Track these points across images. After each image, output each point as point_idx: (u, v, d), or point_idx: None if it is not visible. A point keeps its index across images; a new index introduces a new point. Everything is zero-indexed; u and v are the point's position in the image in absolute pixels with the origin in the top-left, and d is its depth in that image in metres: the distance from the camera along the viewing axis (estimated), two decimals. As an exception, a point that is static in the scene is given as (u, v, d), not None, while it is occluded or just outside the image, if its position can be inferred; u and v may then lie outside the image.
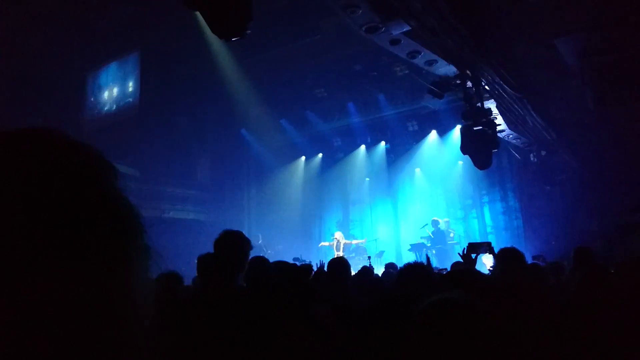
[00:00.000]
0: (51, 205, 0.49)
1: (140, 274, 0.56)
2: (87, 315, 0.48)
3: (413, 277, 3.06)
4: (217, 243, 2.94)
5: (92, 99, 17.27)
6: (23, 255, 0.46)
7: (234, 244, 2.93)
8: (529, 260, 6.63)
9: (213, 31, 4.01)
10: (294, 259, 10.29)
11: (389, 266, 7.52)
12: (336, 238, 15.09)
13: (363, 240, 15.89)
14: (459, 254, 5.19)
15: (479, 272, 3.64)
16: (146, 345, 0.54)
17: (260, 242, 14.92)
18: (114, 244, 0.53)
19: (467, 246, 5.00)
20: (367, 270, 5.76)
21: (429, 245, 14.15)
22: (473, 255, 4.86)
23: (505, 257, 3.95)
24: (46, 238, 0.48)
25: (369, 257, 9.79)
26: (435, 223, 14.42)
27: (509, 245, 4.28)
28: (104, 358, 0.49)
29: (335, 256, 12.66)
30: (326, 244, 15.70)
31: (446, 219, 15.38)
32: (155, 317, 0.57)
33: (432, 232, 14.24)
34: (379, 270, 8.04)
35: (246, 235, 3.09)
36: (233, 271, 2.89)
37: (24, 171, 0.51)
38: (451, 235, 14.90)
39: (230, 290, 2.85)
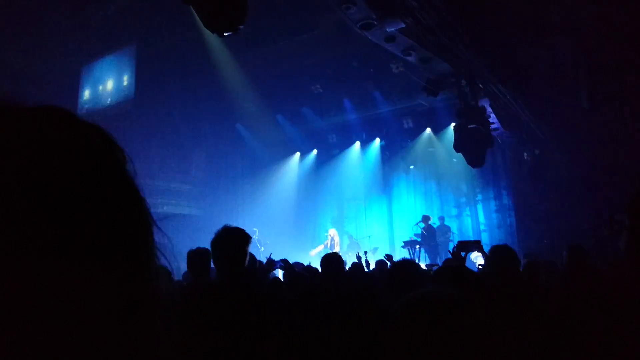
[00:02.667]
0: (66, 190, 0.46)
1: (156, 267, 0.54)
2: (106, 313, 0.46)
3: (403, 274, 3.09)
4: (218, 239, 2.92)
5: (86, 93, 17.18)
6: (33, 247, 0.43)
7: (236, 240, 2.92)
8: (521, 258, 6.67)
9: (206, 26, 4.00)
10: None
11: (386, 258, 7.58)
12: (330, 235, 15.11)
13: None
14: (449, 251, 5.25)
15: (468, 269, 3.68)
16: (164, 342, 0.53)
17: (256, 237, 14.90)
18: (127, 236, 0.50)
19: (457, 244, 5.06)
20: (357, 267, 5.78)
21: (420, 241, 14.16)
22: (463, 254, 4.92)
23: (497, 255, 3.99)
24: (58, 228, 0.44)
25: (365, 252, 9.87)
26: (426, 219, 14.44)
27: (503, 243, 4.32)
28: (123, 355, 0.47)
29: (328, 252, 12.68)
30: (318, 249, 15.56)
31: (430, 219, 15.31)
32: (169, 313, 0.55)
33: (424, 229, 14.26)
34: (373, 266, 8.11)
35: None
36: (237, 267, 2.89)
37: (34, 152, 0.46)
38: (447, 235, 14.91)
39: (237, 286, 2.86)
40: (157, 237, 0.58)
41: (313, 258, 13.32)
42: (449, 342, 0.95)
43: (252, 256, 4.06)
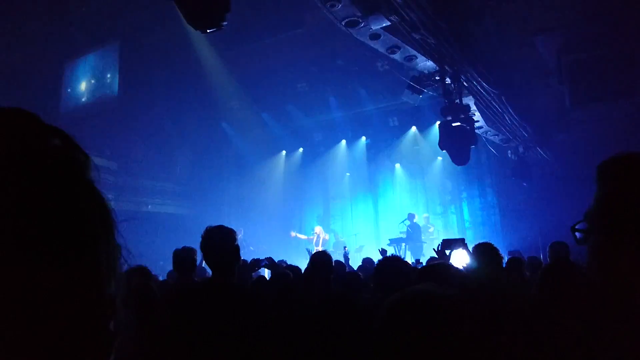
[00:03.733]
0: (17, 195, 0.46)
1: (111, 271, 0.53)
2: (56, 313, 0.46)
3: (390, 270, 3.10)
4: (208, 240, 2.91)
5: (69, 90, 16.93)
6: None
7: (223, 239, 2.91)
8: (505, 255, 6.73)
9: (189, 22, 3.96)
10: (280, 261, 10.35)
11: (366, 261, 7.62)
12: (316, 232, 15.11)
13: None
14: (434, 249, 5.28)
15: (454, 266, 3.70)
16: (115, 344, 0.52)
17: (241, 236, 14.81)
18: (84, 239, 0.50)
19: (442, 242, 5.10)
20: (339, 265, 5.79)
21: (405, 238, 14.23)
22: (447, 251, 4.95)
23: (480, 252, 4.03)
24: (9, 232, 0.44)
25: (345, 247, 10.00)
26: (411, 217, 14.52)
27: (486, 241, 4.37)
28: (73, 356, 0.47)
29: (315, 251, 12.68)
30: (301, 235, 15.70)
31: (425, 215, 15.52)
32: (120, 315, 0.56)
33: (409, 227, 14.33)
34: (356, 264, 8.16)
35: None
36: (230, 266, 2.89)
37: None
38: (430, 230, 15.04)
39: (232, 286, 2.85)
40: (136, 236, 0.58)
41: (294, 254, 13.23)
42: (442, 339, 0.94)
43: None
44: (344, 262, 7.34)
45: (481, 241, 4.36)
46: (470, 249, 5.57)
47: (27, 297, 0.44)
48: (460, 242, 5.08)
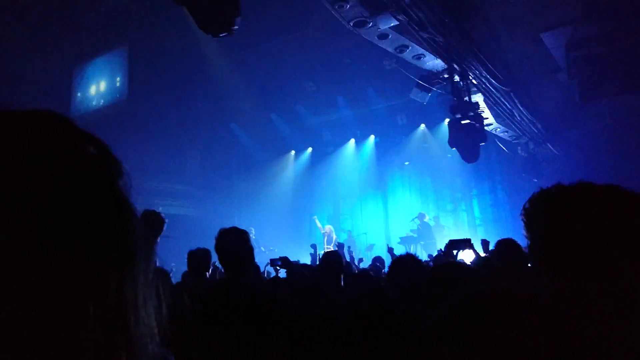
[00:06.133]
0: (53, 199, 0.45)
1: (145, 276, 0.53)
2: (91, 321, 0.45)
3: (404, 269, 3.11)
4: (219, 242, 2.95)
5: (79, 94, 17.09)
6: (18, 253, 0.42)
7: (237, 240, 2.95)
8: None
9: (200, 27, 4.00)
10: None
11: (377, 260, 7.65)
12: (327, 232, 15.12)
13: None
14: (439, 250, 5.28)
15: (467, 265, 3.70)
16: (151, 347, 0.52)
17: (252, 236, 14.86)
18: (119, 244, 0.50)
19: (448, 242, 5.09)
20: (347, 265, 5.81)
21: (416, 237, 14.22)
22: (455, 252, 4.94)
23: (503, 248, 3.99)
24: (43, 236, 0.44)
25: (349, 247, 10.08)
26: (421, 216, 14.51)
27: (499, 238, 4.33)
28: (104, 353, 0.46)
29: (325, 249, 12.73)
30: (318, 223, 15.83)
31: (435, 216, 15.41)
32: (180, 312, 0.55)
33: (419, 226, 14.32)
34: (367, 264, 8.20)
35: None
36: (244, 267, 2.92)
37: (25, 158, 0.46)
38: (444, 233, 14.97)
39: (247, 285, 2.88)
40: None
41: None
42: (516, 340, 0.89)
43: None
44: (350, 261, 7.37)
45: (490, 239, 4.34)
46: (484, 245, 5.57)
47: (66, 315, 0.44)
48: (466, 243, 5.05)
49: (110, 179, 0.53)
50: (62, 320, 0.44)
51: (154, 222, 4.06)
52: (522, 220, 1.21)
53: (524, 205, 1.21)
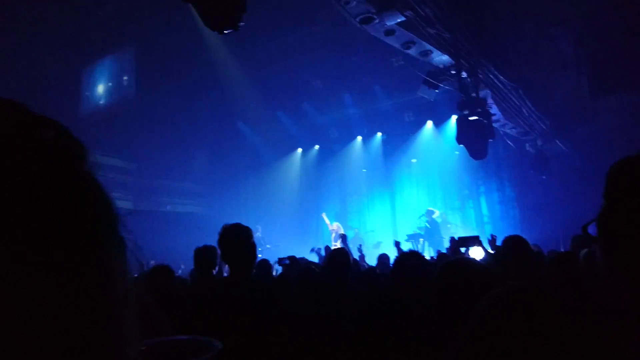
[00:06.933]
0: (16, 188, 0.42)
1: (120, 267, 0.49)
2: (63, 314, 0.43)
3: (409, 266, 3.09)
4: (222, 238, 2.95)
5: (87, 94, 17.18)
6: None
7: (239, 237, 2.95)
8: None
9: (206, 24, 3.99)
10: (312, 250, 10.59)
11: (383, 257, 7.65)
12: (334, 229, 15.11)
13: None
14: (447, 248, 5.25)
15: (478, 262, 3.67)
16: (129, 343, 0.49)
17: (259, 234, 14.91)
18: (90, 233, 0.46)
19: (457, 240, 5.05)
20: (354, 263, 5.80)
21: (423, 234, 14.19)
22: (463, 249, 4.90)
23: (510, 245, 3.96)
24: (8, 228, 0.41)
25: (343, 237, 10.12)
26: (429, 213, 14.46)
27: (506, 235, 4.30)
28: (83, 356, 0.44)
29: (333, 247, 12.71)
30: (326, 220, 15.79)
31: (436, 213, 15.30)
32: (136, 313, 0.53)
33: (427, 222, 14.28)
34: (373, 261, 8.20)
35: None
36: (246, 263, 2.92)
37: None
38: (448, 226, 14.94)
39: (249, 282, 2.89)
40: (157, 236, 0.54)
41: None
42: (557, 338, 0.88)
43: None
44: (358, 260, 7.37)
45: (500, 235, 4.31)
46: (491, 243, 5.54)
47: (28, 302, 0.40)
48: (474, 240, 5.01)
49: (72, 159, 0.49)
50: (34, 318, 0.41)
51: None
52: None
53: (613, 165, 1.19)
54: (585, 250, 4.23)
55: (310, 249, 12.42)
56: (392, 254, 7.84)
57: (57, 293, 0.42)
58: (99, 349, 0.45)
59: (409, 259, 3.16)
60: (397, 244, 8.50)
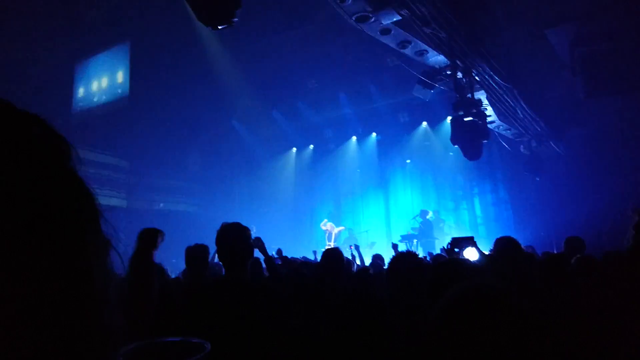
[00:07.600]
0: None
1: (101, 262, 0.50)
2: (44, 310, 0.43)
3: (404, 266, 3.07)
4: (220, 237, 2.91)
5: (80, 90, 17.06)
6: None
7: (237, 236, 2.92)
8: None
9: (199, 19, 3.95)
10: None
11: (376, 257, 7.64)
12: (327, 229, 15.10)
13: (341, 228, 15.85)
14: (442, 248, 5.24)
15: (469, 261, 3.66)
16: (110, 339, 0.49)
17: (254, 232, 14.76)
18: (71, 228, 0.46)
19: (451, 241, 5.05)
20: (347, 263, 5.78)
21: (417, 235, 14.18)
22: (457, 250, 4.90)
23: (501, 246, 3.96)
24: None
25: (357, 246, 9.99)
26: (423, 214, 14.47)
27: (499, 236, 4.29)
28: (64, 354, 0.44)
29: (327, 246, 12.70)
30: (324, 227, 15.71)
31: (430, 213, 15.31)
32: (117, 309, 0.51)
33: (421, 223, 14.29)
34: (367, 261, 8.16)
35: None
36: (242, 263, 2.89)
37: None
38: (441, 225, 14.96)
39: (245, 282, 2.85)
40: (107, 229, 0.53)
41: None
42: (511, 337, 0.89)
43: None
44: (351, 260, 7.36)
45: (494, 237, 4.30)
46: (485, 244, 5.53)
47: (10, 292, 0.41)
48: (469, 241, 5.02)
49: (59, 158, 0.49)
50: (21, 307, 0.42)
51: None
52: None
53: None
54: (578, 256, 4.26)
55: (303, 246, 12.43)
56: (387, 255, 7.84)
57: (32, 289, 0.42)
58: (75, 346, 0.45)
59: (404, 259, 3.14)
60: (394, 246, 8.51)
